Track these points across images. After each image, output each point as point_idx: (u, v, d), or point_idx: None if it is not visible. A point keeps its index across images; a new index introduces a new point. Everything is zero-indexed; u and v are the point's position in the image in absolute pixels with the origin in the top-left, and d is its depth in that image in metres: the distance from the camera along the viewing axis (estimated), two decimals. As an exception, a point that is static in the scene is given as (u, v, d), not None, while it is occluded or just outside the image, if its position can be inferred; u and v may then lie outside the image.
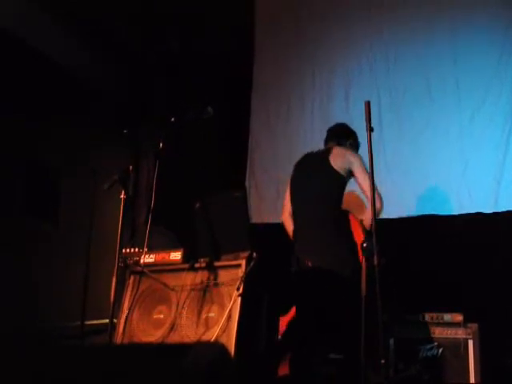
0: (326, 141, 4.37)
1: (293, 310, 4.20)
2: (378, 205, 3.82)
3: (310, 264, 3.92)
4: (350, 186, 4.17)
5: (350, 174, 4.03)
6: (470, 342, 4.26)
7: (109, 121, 5.89)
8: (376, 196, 3.79)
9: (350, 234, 4.00)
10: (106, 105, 5.98)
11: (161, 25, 6.40)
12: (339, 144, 4.23)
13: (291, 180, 4.29)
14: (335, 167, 3.99)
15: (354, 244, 3.92)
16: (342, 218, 4.05)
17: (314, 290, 3.87)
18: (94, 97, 5.83)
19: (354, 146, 4.33)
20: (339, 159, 4.02)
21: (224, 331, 3.67)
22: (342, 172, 3.99)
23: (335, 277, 3.79)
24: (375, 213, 3.34)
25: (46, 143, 5.29)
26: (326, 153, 4.11)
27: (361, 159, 4.01)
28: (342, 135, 4.32)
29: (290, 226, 4.27)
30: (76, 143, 5.53)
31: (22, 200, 5.04)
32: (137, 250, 4.18)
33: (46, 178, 5.34)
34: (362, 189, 4.01)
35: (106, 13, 5.77)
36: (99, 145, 5.83)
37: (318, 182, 4.06)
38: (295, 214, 4.21)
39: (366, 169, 3.92)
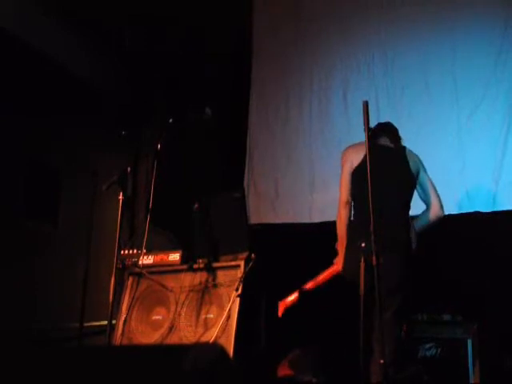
0: (379, 135, 4.08)
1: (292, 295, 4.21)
2: (439, 212, 3.92)
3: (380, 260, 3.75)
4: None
5: (417, 176, 3.97)
6: (469, 342, 4.26)
7: (109, 121, 5.89)
8: (437, 198, 3.92)
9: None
10: (106, 105, 5.98)
11: (161, 25, 6.40)
12: (392, 142, 4.10)
13: (356, 169, 3.88)
14: (411, 167, 3.93)
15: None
16: (409, 223, 3.95)
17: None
18: (94, 97, 5.83)
19: None
20: (412, 160, 3.95)
21: (223, 332, 3.68)
22: (415, 173, 3.94)
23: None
24: (374, 213, 3.33)
25: (47, 144, 5.30)
26: (401, 150, 3.99)
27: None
28: (398, 138, 4.16)
29: (346, 217, 3.92)
30: (76, 144, 5.53)
31: (22, 200, 5.04)
32: (135, 251, 4.19)
33: (46, 179, 5.34)
34: (427, 191, 3.96)
35: (106, 13, 5.77)
36: (99, 145, 5.83)
37: (396, 180, 3.89)
38: (361, 206, 3.87)
39: None
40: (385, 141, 4.09)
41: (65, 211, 5.39)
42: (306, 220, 5.71)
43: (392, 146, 4.07)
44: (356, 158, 3.86)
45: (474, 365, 4.21)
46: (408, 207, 3.94)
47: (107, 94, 6.06)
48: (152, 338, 3.90)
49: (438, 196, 3.95)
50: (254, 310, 3.88)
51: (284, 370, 4.40)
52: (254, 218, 5.77)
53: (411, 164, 3.94)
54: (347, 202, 3.92)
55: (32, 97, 5.04)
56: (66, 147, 5.46)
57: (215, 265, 3.93)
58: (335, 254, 4.12)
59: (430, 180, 3.97)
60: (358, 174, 3.84)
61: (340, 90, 5.82)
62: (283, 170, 5.93)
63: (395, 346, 3.67)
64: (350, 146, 4.02)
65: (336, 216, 3.97)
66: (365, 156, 3.69)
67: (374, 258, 3.23)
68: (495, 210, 5.07)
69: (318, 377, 4.35)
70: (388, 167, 3.94)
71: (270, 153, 6.04)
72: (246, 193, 5.78)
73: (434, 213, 3.95)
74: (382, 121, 5.40)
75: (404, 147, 4.05)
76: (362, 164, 3.76)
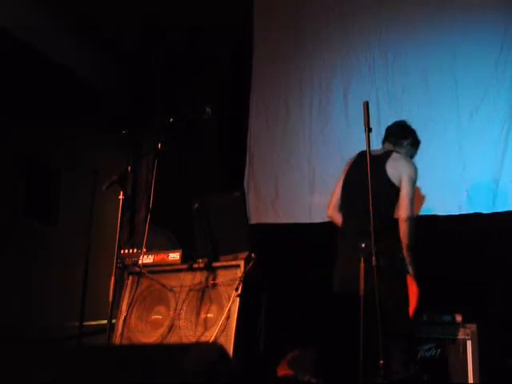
0: (384, 141, 4.27)
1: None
2: (402, 224, 3.88)
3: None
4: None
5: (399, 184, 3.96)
6: (469, 343, 4.26)
7: (109, 121, 5.89)
8: (405, 204, 3.89)
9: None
10: (106, 105, 5.98)
11: (161, 25, 6.41)
12: (396, 144, 4.17)
13: (345, 178, 4.16)
14: (390, 175, 3.94)
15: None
16: (391, 230, 3.94)
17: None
18: (94, 97, 5.83)
19: (414, 146, 4.28)
20: (394, 168, 3.96)
21: (223, 331, 3.68)
22: (395, 181, 3.93)
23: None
24: (373, 214, 3.33)
25: (47, 143, 5.30)
26: (383, 158, 4.02)
27: (413, 170, 3.99)
28: (399, 135, 4.22)
29: (338, 220, 4.18)
30: (76, 143, 5.54)
31: (22, 200, 5.05)
32: (135, 250, 4.19)
33: (47, 178, 5.34)
34: (401, 197, 3.95)
35: (106, 13, 5.78)
36: (99, 145, 5.83)
37: (373, 188, 3.98)
38: (346, 216, 4.12)
39: (414, 180, 3.97)
40: (385, 147, 4.19)
41: (65, 210, 5.39)
42: (306, 220, 5.71)
43: (381, 152, 4.12)
44: (346, 169, 4.19)
45: (473, 365, 4.21)
46: (389, 215, 3.94)
47: (107, 94, 6.06)
48: (152, 337, 3.90)
49: (405, 207, 3.90)
50: (253, 309, 3.87)
51: (283, 370, 4.40)
52: (254, 218, 5.77)
53: (389, 171, 3.95)
54: (330, 217, 4.28)
55: (32, 97, 5.04)
56: (67, 147, 5.46)
57: (215, 264, 3.93)
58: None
59: (407, 189, 3.92)
60: (343, 185, 4.15)
61: (340, 90, 5.82)
62: (283, 169, 5.93)
63: (401, 357, 3.68)
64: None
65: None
66: (347, 169, 4.16)
67: (373, 258, 3.25)
68: (495, 210, 5.07)
69: (317, 377, 4.35)
70: (365, 177, 4.00)
71: (270, 153, 6.04)
72: (245, 192, 5.79)
73: (400, 227, 3.92)
74: (383, 120, 5.43)
75: (389, 153, 4.06)
76: (346, 175, 4.14)
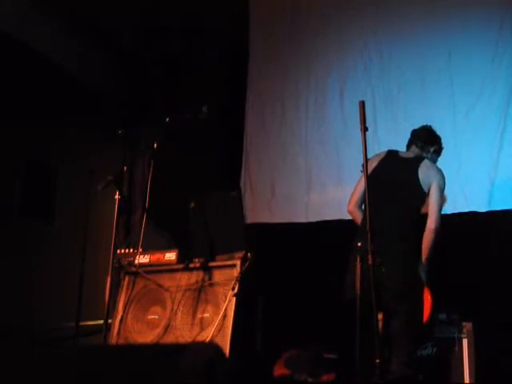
0: (410, 143, 4.22)
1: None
2: (428, 234, 3.85)
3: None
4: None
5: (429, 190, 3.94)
6: (465, 341, 4.27)
7: (106, 121, 5.88)
8: (434, 214, 3.86)
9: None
10: (104, 105, 5.98)
11: (160, 25, 6.40)
12: (423, 149, 4.13)
13: (371, 174, 3.79)
14: (421, 181, 3.91)
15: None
16: (415, 234, 3.90)
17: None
18: (93, 97, 5.83)
19: (437, 153, 4.26)
20: (425, 174, 3.93)
21: (219, 331, 3.69)
22: (424, 188, 3.91)
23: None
24: (370, 216, 3.32)
25: (44, 143, 5.30)
26: (416, 163, 3.99)
27: (443, 180, 3.96)
28: (427, 140, 4.18)
29: (358, 217, 4.06)
30: (74, 143, 5.54)
31: (20, 199, 5.04)
32: (131, 250, 4.19)
33: (44, 178, 5.34)
34: (430, 206, 3.92)
35: (105, 12, 5.77)
36: (97, 145, 5.83)
37: (402, 191, 3.93)
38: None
39: (443, 190, 3.96)
40: (413, 150, 4.15)
41: (61, 210, 5.39)
42: (302, 220, 5.71)
43: (411, 156, 4.09)
44: (371, 165, 3.91)
45: (469, 363, 4.22)
46: (413, 219, 3.90)
47: (105, 94, 6.06)
48: (148, 337, 3.90)
49: (434, 217, 3.87)
50: (250, 309, 3.88)
51: (280, 370, 4.40)
52: (250, 218, 5.76)
53: (421, 177, 3.92)
54: (349, 213, 4.13)
55: (29, 96, 5.05)
56: (64, 146, 5.46)
57: (211, 264, 3.93)
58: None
59: (436, 198, 3.90)
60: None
61: (336, 89, 5.82)
62: (279, 169, 5.93)
63: (405, 359, 3.67)
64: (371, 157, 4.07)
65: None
66: (375, 166, 3.98)
67: (369, 257, 3.24)
68: (491, 209, 5.07)
69: (313, 376, 4.36)
70: (395, 179, 3.96)
71: (266, 152, 6.03)
72: (242, 192, 5.78)
73: (425, 235, 3.89)
74: (379, 119, 5.43)
75: (421, 159, 4.02)
76: (371, 173, 3.78)
